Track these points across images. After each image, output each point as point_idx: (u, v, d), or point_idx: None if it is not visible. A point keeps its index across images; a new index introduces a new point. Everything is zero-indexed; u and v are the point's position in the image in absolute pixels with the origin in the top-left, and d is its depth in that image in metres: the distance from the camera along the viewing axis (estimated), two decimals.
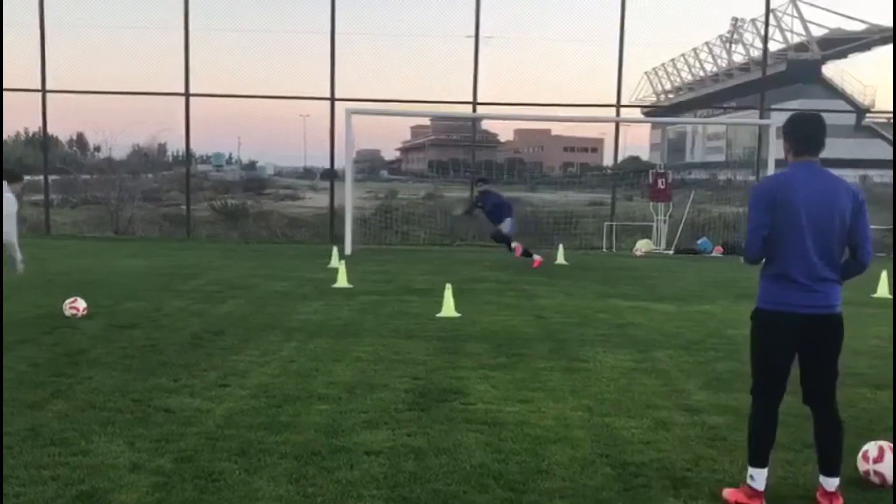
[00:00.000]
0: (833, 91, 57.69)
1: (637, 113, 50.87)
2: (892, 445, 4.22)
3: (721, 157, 69.94)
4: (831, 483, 3.90)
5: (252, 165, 62.92)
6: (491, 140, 73.63)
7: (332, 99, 20.34)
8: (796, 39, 58.68)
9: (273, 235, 21.59)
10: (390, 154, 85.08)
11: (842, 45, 58.18)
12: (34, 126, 22.43)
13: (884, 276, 11.81)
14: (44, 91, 20.41)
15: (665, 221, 19.65)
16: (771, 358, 3.92)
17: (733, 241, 18.60)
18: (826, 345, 3.87)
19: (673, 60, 68.95)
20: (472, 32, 20.34)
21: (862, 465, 4.26)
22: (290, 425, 5.03)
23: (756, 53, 55.91)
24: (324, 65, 20.31)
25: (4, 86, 20.66)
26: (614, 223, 20.42)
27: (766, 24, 24.18)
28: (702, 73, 68.72)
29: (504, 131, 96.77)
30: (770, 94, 25.83)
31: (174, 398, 5.59)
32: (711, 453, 4.69)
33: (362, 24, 35.06)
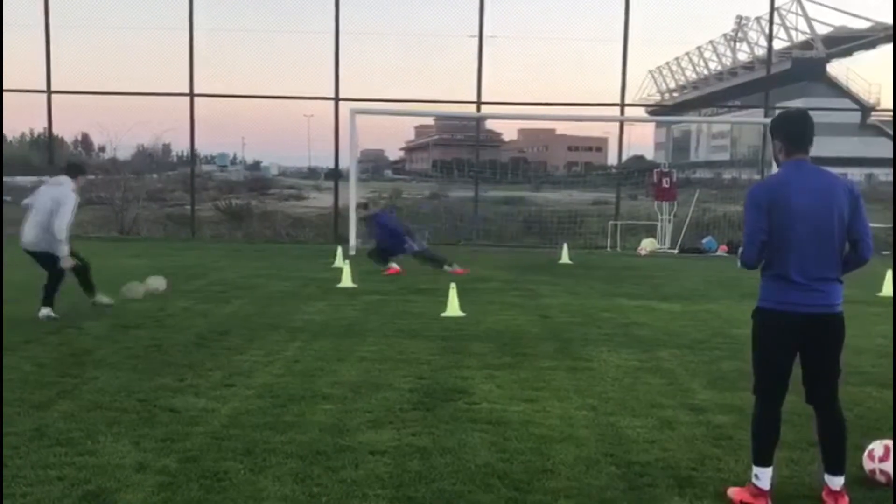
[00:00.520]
0: (838, 89, 57.57)
1: (641, 112, 50.80)
2: None
3: (726, 156, 69.90)
4: (836, 482, 3.89)
5: (256, 165, 63.03)
6: (495, 139, 73.74)
7: (337, 99, 20.36)
8: (801, 37, 58.55)
9: (277, 235, 21.60)
10: (394, 154, 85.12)
11: (847, 43, 58.05)
12: (39, 127, 22.49)
13: (889, 274, 11.78)
14: (49, 92, 20.48)
15: (669, 220, 19.62)
16: (772, 357, 3.92)
17: (738, 240, 18.48)
18: (827, 344, 3.87)
19: (677, 59, 68.88)
20: (476, 32, 20.35)
21: (868, 464, 4.25)
22: (295, 425, 5.04)
23: (761, 52, 55.73)
24: (328, 65, 20.36)
25: (10, 87, 20.79)
26: (619, 222, 20.40)
27: (771, 22, 24.12)
28: (706, 72, 68.60)
29: (508, 131, 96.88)
30: (775, 93, 25.81)
31: (179, 398, 5.61)
32: (716, 452, 4.69)
33: (366, 23, 35.09)
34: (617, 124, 21.77)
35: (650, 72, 68.80)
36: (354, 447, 4.65)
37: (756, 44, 58.80)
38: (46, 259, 8.67)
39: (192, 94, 20.45)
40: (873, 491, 4.12)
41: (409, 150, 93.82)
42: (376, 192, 29.07)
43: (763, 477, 3.90)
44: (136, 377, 6.18)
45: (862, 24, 55.09)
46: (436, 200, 25.55)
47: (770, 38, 24.67)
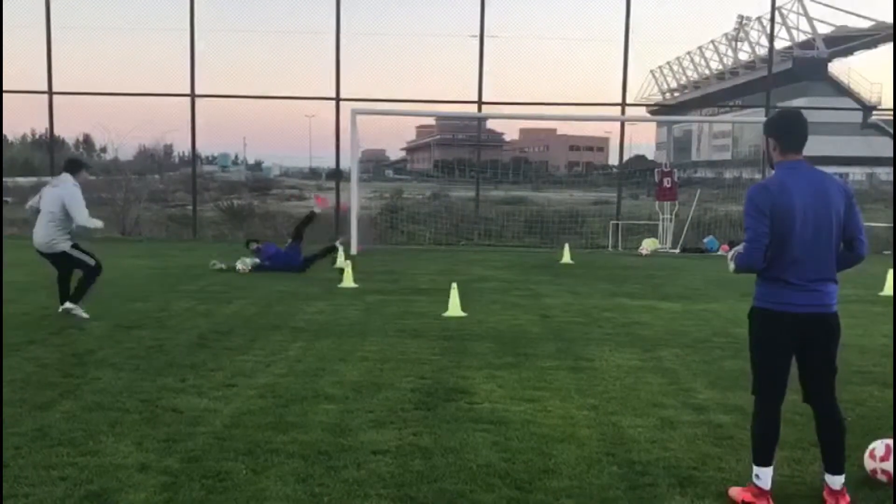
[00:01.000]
0: (839, 88, 57.55)
1: (643, 111, 50.81)
2: None
3: (727, 156, 69.92)
4: (836, 481, 3.90)
5: (258, 166, 63.15)
6: (496, 139, 73.74)
7: (338, 99, 20.38)
8: (802, 37, 58.56)
9: (279, 236, 21.60)
10: (396, 154, 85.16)
11: (848, 42, 58.06)
12: (41, 128, 22.53)
13: (890, 274, 11.78)
14: (50, 93, 20.50)
15: (671, 220, 19.62)
16: (770, 357, 3.92)
17: (739, 240, 18.52)
18: (824, 343, 3.88)
19: (678, 59, 68.90)
20: (477, 32, 20.36)
21: (869, 464, 4.25)
22: (297, 425, 5.05)
23: (762, 51, 55.83)
24: (329, 65, 20.38)
25: (12, 87, 20.82)
26: (620, 222, 20.40)
27: (772, 21, 24.13)
28: (707, 72, 68.60)
29: (509, 130, 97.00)
30: (776, 92, 25.78)
31: (181, 398, 5.61)
32: (718, 452, 4.69)
33: (367, 24, 35.09)
34: (618, 124, 21.77)
35: (651, 71, 68.85)
36: (356, 447, 4.65)
37: (757, 43, 58.88)
38: (62, 259, 8.68)
39: (193, 95, 20.47)
40: (875, 490, 4.12)
41: (411, 150, 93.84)
42: (377, 193, 29.08)
43: (764, 477, 3.91)
44: (139, 377, 6.19)
45: (863, 24, 55.11)
46: (437, 200, 25.55)
47: (771, 37, 24.64)
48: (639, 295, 11.33)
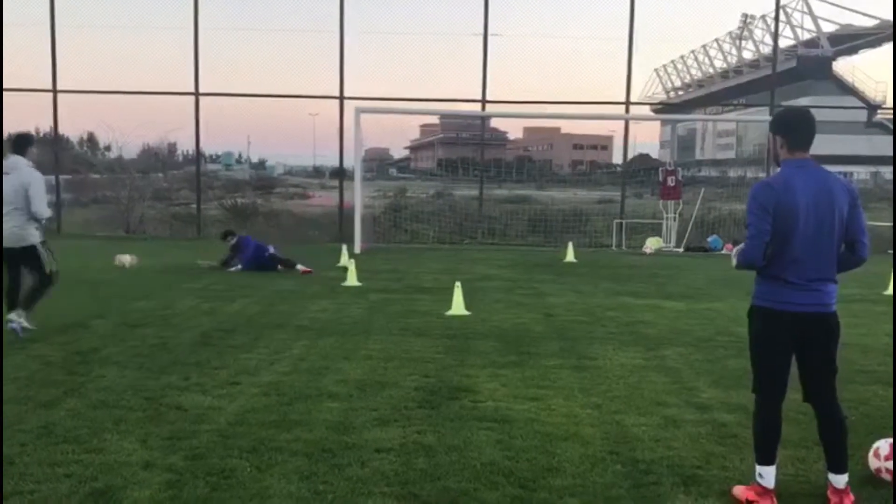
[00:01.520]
0: (844, 87, 57.42)
1: (647, 110, 50.81)
2: None
3: (731, 155, 69.80)
4: (840, 480, 3.89)
5: (262, 164, 63.19)
6: (500, 138, 73.64)
7: (342, 98, 20.38)
8: (807, 35, 58.44)
9: (283, 234, 21.62)
10: (399, 152, 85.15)
11: (852, 41, 57.94)
12: (45, 126, 22.55)
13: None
14: (55, 91, 20.53)
15: (675, 219, 19.59)
16: (770, 356, 3.93)
17: (742, 239, 18.48)
18: (823, 343, 3.88)
19: (682, 57, 68.84)
20: (481, 30, 20.35)
21: (873, 463, 4.24)
22: (301, 423, 5.05)
23: (766, 50, 55.74)
24: (333, 63, 20.37)
25: (16, 86, 20.84)
26: (624, 221, 20.38)
27: (777, 20, 24.09)
28: (711, 70, 68.52)
29: (513, 129, 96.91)
30: (780, 91, 25.74)
31: (186, 396, 5.63)
32: (721, 450, 4.69)
33: (371, 22, 35.10)
34: (622, 123, 21.75)
35: (655, 70, 68.80)
36: (360, 445, 4.66)
37: (761, 42, 58.78)
38: (26, 256, 7.66)
39: (197, 94, 20.48)
40: (879, 489, 4.11)
41: (414, 148, 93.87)
42: (381, 191, 29.09)
43: (767, 476, 3.90)
44: (143, 375, 6.21)
45: (868, 22, 54.98)
46: (441, 199, 25.56)
47: (776, 35, 24.64)
48: (642, 294, 11.33)
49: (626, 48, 20.34)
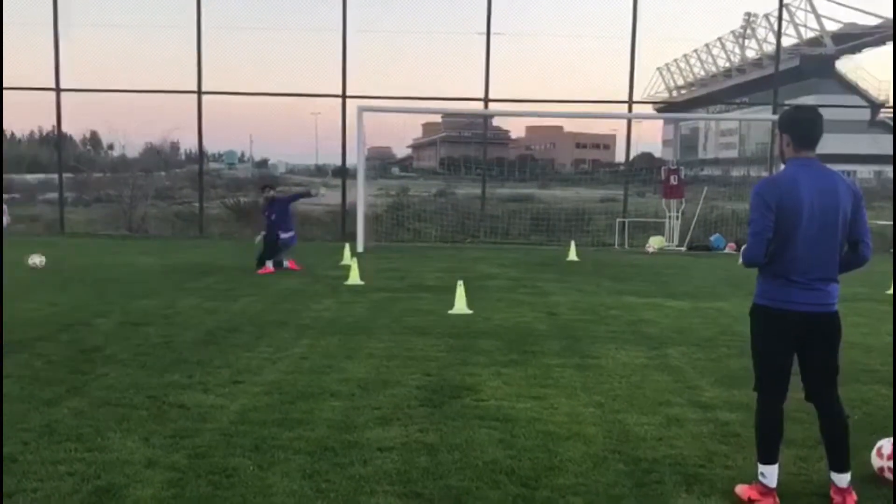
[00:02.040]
0: (847, 86, 57.33)
1: (649, 109, 50.75)
2: None
3: (734, 154, 69.76)
4: (842, 479, 3.89)
5: (264, 163, 63.16)
6: (502, 137, 73.73)
7: (344, 96, 20.38)
8: (810, 34, 58.34)
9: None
10: (402, 151, 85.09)
11: (856, 39, 57.78)
12: (48, 125, 22.62)
13: None
14: (58, 90, 20.55)
15: (677, 218, 19.58)
16: (772, 354, 3.92)
17: (745, 238, 18.46)
18: (824, 342, 3.87)
19: (685, 56, 68.76)
20: (484, 29, 20.33)
21: (876, 462, 4.24)
22: (304, 422, 5.06)
23: (769, 49, 55.60)
24: (335, 62, 20.36)
25: (19, 85, 20.89)
26: (626, 220, 20.37)
27: (780, 18, 24.03)
28: (714, 69, 68.43)
29: (516, 128, 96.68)
30: (783, 90, 25.71)
31: (188, 395, 5.63)
32: (724, 449, 4.68)
33: (374, 21, 35.10)
34: (625, 122, 21.73)
35: (658, 69, 68.72)
36: (362, 444, 4.66)
37: (764, 41, 58.65)
38: None
39: (199, 92, 20.50)
40: (881, 488, 4.11)
41: (417, 147, 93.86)
42: (383, 190, 29.09)
43: (769, 475, 3.90)
44: (146, 374, 6.21)
45: (871, 21, 54.82)
46: (443, 198, 25.55)
47: (779, 34, 24.55)
48: (645, 293, 11.32)
49: (629, 47, 20.33)
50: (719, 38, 64.86)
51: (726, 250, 18.77)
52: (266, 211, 13.47)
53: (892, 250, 15.96)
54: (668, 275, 13.71)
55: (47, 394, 5.58)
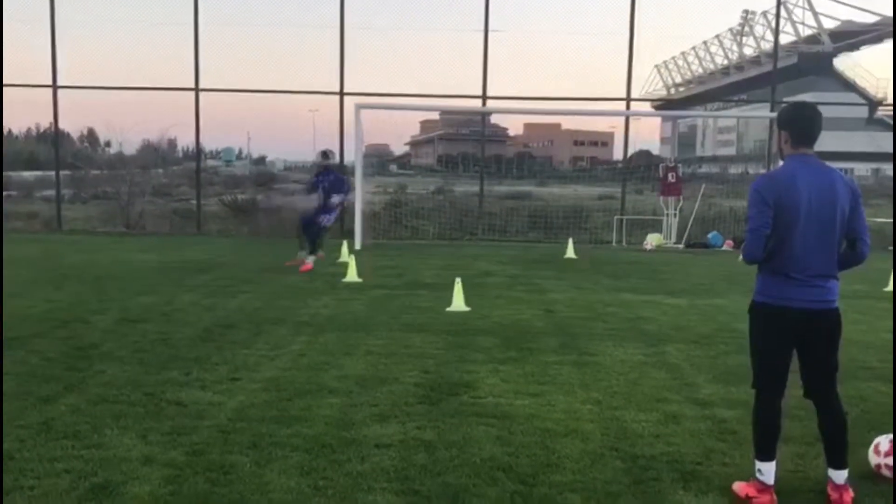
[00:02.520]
0: (845, 84, 57.38)
1: (647, 106, 50.68)
2: None
3: (732, 151, 69.81)
4: (840, 476, 3.89)
5: (262, 160, 63.15)
6: (500, 134, 73.65)
7: (342, 94, 20.34)
8: (807, 32, 58.39)
9: (283, 230, 21.60)
10: (400, 149, 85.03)
11: (853, 37, 57.85)
12: (45, 122, 22.60)
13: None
14: (55, 87, 20.50)
15: (675, 215, 19.59)
16: (770, 352, 3.92)
17: (743, 235, 18.49)
18: (824, 339, 3.87)
19: (683, 53, 68.82)
20: (482, 26, 20.31)
21: (873, 459, 4.25)
22: (301, 418, 5.06)
23: (767, 46, 55.66)
24: (333, 59, 20.32)
25: (17, 81, 20.84)
26: (624, 217, 20.37)
27: (777, 16, 24.06)
28: (712, 67, 68.48)
29: (513, 125, 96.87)
30: (781, 87, 25.71)
31: (186, 392, 5.63)
32: (722, 447, 4.69)
33: (371, 18, 35.05)
34: (623, 119, 21.73)
35: (656, 66, 68.76)
36: (360, 440, 4.66)
37: (762, 38, 58.73)
38: None
39: (197, 89, 20.45)
40: (879, 485, 4.11)
41: (415, 144, 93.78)
42: (381, 187, 29.07)
43: (767, 471, 3.90)
44: (143, 371, 6.21)
45: (869, 18, 54.87)
46: (441, 195, 25.55)
47: (776, 32, 24.55)
48: (643, 290, 11.32)
49: (627, 44, 20.31)
50: (717, 36, 64.98)
51: (724, 247, 18.78)
52: (319, 176, 13.31)
53: (890, 248, 15.99)
54: (665, 272, 13.72)
55: (44, 391, 5.57)
